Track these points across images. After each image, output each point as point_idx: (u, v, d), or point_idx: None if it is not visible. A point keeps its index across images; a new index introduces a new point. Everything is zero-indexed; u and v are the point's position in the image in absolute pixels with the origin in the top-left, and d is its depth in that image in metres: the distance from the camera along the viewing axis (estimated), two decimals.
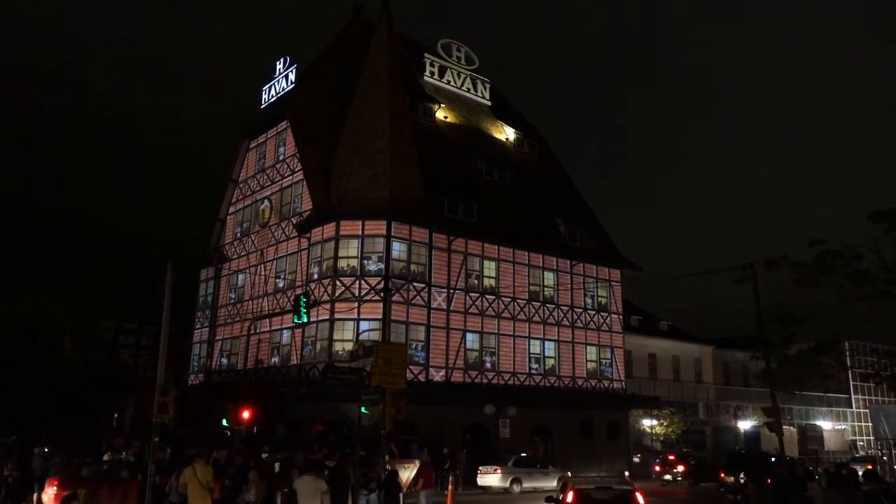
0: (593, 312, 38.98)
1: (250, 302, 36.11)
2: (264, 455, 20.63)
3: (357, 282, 30.52)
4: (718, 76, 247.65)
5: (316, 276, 31.63)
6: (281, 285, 34.11)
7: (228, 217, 40.62)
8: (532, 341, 35.83)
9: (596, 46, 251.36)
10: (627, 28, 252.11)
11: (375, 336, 28.03)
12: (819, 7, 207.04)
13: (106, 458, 19.51)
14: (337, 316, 30.30)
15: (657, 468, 35.98)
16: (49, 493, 16.67)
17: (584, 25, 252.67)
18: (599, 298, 39.61)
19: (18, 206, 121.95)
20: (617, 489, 12.89)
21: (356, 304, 30.25)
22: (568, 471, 29.45)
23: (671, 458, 36.33)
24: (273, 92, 38.81)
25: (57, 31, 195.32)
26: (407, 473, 16.64)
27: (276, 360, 33.38)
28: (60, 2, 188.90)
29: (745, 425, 48.03)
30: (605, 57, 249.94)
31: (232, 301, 38.07)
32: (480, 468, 28.12)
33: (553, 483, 27.17)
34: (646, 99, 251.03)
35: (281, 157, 36.52)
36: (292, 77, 37.42)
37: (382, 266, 30.64)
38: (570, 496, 12.62)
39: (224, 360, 37.62)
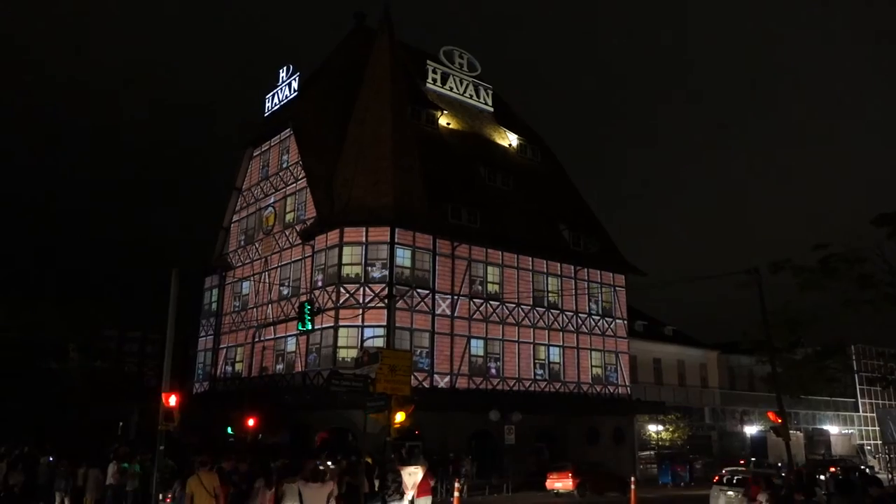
0: (598, 318, 38.91)
1: (255, 310, 36.13)
2: (275, 464, 20.59)
3: (361, 289, 30.53)
4: (718, 80, 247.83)
5: (320, 284, 31.65)
6: (285, 293, 34.14)
7: (232, 225, 40.70)
8: (537, 347, 35.78)
9: (599, 50, 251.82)
10: (629, 34, 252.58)
11: (380, 343, 28.04)
12: (820, 11, 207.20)
13: (111, 467, 19.50)
14: (341, 323, 30.30)
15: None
16: None
17: (588, 29, 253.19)
18: (604, 304, 39.56)
19: (18, 215, 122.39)
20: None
21: (360, 311, 30.25)
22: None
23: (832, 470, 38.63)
24: (276, 100, 38.99)
25: (60, 36, 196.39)
26: (413, 479, 16.54)
27: (280, 367, 33.38)
28: (69, 12, 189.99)
29: (751, 430, 47.79)
30: (609, 60, 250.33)
31: (236, 309, 38.10)
32: (550, 474, 29.07)
33: None
34: (648, 104, 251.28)
35: (284, 165, 36.61)
36: (295, 85, 37.60)
37: (386, 273, 30.64)
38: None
39: (229, 368, 37.63)
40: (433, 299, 31.85)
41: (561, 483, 28.50)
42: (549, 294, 37.00)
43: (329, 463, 19.33)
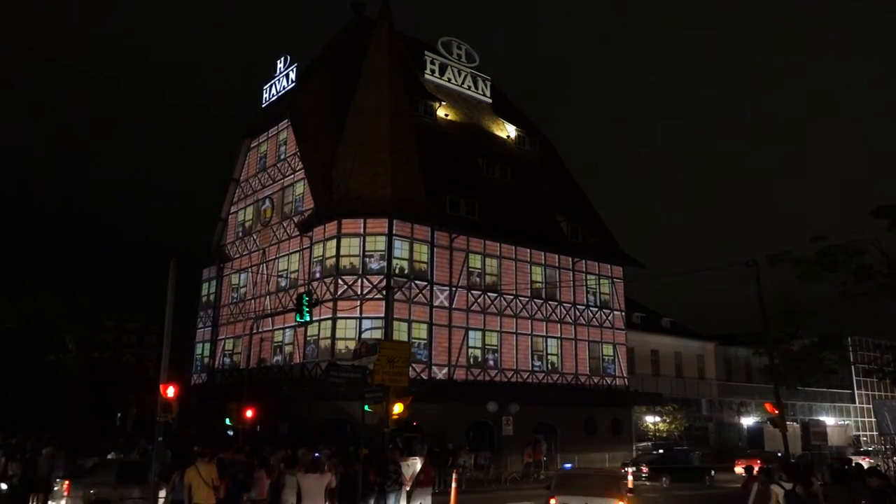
0: (595, 309, 38.95)
1: (252, 301, 36.12)
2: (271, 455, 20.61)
3: (359, 280, 30.52)
4: (721, 76, 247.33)
5: (318, 275, 31.63)
6: (283, 284, 34.11)
7: (230, 216, 40.63)
8: (534, 338, 35.81)
9: (598, 41, 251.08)
10: (631, 27, 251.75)
11: (378, 334, 28.08)
12: (821, 12, 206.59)
13: (110, 457, 19.52)
14: (339, 314, 30.31)
15: None
16: None
17: (587, 21, 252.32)
18: (602, 295, 39.59)
19: (17, 207, 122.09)
20: None
21: (358, 303, 30.24)
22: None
23: None
24: (274, 91, 38.81)
25: (60, 24, 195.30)
26: (411, 470, 16.57)
27: (278, 359, 33.39)
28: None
29: (748, 421, 47.98)
30: (609, 52, 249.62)
31: (234, 300, 38.08)
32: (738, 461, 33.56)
33: None
34: (647, 98, 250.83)
35: (282, 156, 36.51)
36: (293, 76, 37.43)
37: (384, 264, 30.63)
38: None
39: (227, 360, 37.64)
40: (431, 291, 31.84)
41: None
42: (547, 286, 37.02)
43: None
